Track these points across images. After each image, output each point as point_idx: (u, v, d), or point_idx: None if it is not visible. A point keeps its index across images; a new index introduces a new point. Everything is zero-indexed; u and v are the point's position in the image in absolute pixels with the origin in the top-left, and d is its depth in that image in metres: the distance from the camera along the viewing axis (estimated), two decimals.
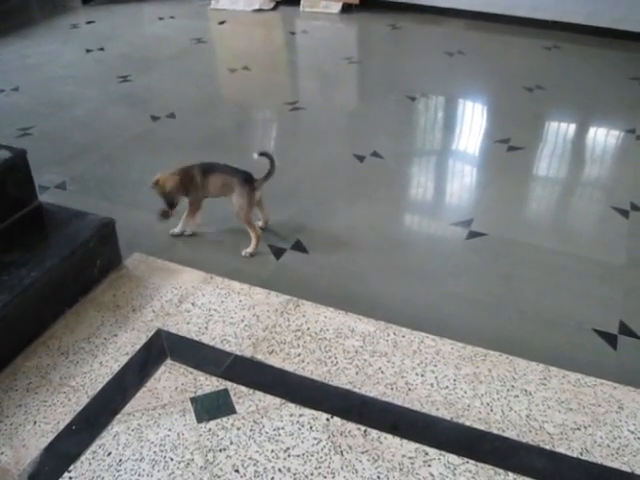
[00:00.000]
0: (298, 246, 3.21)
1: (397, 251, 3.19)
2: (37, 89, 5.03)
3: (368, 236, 3.30)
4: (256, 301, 2.72)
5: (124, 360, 2.46)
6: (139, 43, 5.97)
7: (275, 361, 2.44)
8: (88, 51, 5.73)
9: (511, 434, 2.14)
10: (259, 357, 2.45)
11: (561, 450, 2.09)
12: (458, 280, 2.97)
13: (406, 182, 3.87)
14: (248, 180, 3.07)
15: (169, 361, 2.45)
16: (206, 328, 2.59)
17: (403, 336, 2.55)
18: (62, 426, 2.20)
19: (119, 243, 2.94)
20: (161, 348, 2.50)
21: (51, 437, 2.16)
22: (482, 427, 2.16)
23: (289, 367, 2.41)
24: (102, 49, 5.76)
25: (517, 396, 2.27)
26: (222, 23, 6.42)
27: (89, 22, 6.55)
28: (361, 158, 3.98)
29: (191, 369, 2.41)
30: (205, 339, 2.54)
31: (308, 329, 2.58)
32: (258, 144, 4.37)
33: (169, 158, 4.02)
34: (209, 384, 2.34)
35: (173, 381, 2.36)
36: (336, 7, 6.55)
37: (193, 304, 2.72)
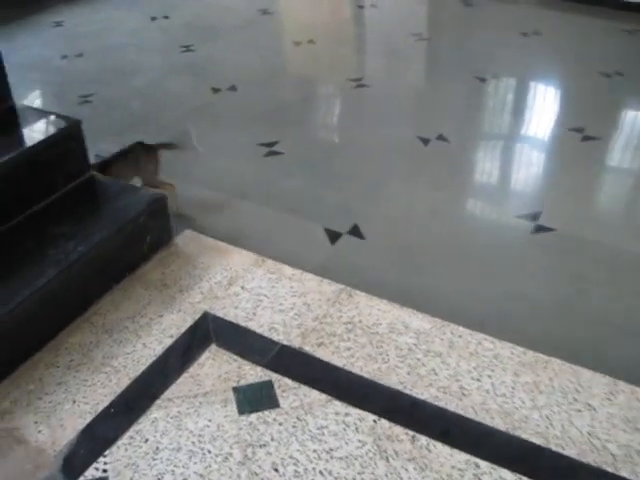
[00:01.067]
0: (355, 231, 3.08)
1: (458, 242, 3.03)
2: (100, 56, 4.99)
3: (428, 224, 3.14)
4: (308, 288, 2.61)
5: (168, 342, 2.39)
6: (204, 12, 5.86)
7: (324, 354, 2.33)
8: (153, 19, 5.66)
9: (570, 452, 1.98)
10: (307, 349, 2.35)
11: (624, 474, 1.92)
12: (521, 277, 2.80)
13: (472, 168, 3.69)
14: (145, 146, 3.06)
15: (214, 347, 2.36)
16: (254, 314, 2.49)
17: (460, 336, 2.40)
18: (101, 407, 2.14)
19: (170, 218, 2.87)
20: (206, 332, 2.42)
21: (89, 418, 2.10)
22: (539, 442, 2.01)
23: (338, 361, 2.30)
24: (167, 17, 5.68)
25: (579, 410, 2.11)
26: None
27: None
28: (426, 141, 3.81)
29: (236, 357, 2.32)
30: (252, 325, 2.44)
31: (360, 322, 2.46)
32: (320, 120, 4.25)
33: (228, 131, 3.95)
34: (253, 374, 2.25)
35: (217, 368, 2.27)
36: None
37: (242, 287, 2.62)
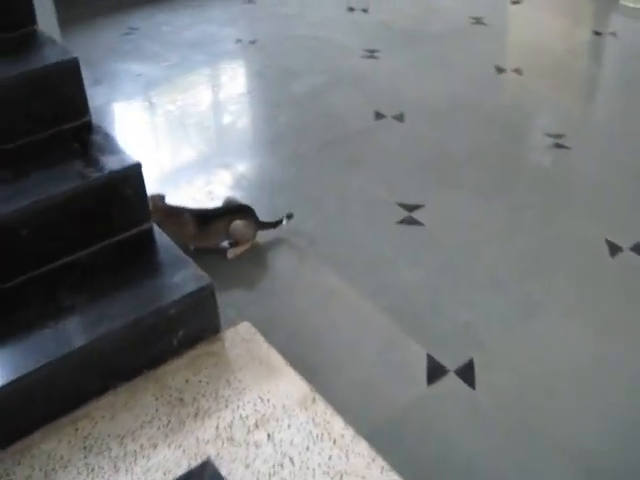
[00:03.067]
0: (466, 372, 2.27)
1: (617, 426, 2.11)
2: (274, 47, 4.45)
3: (574, 389, 2.23)
4: (350, 467, 1.87)
5: None
6: (408, 10, 5.02)
7: None
8: (350, 10, 4.99)
9: None
10: None
11: None
12: None
13: None
14: (254, 216, 2.78)
15: None
16: None
17: None
18: None
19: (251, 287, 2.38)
20: None
21: None
22: None
23: None
24: (365, 10, 4.97)
25: None
26: (516, 3, 5.23)
27: None
28: (615, 249, 2.81)
29: None
30: None
31: None
32: (486, 187, 3.29)
33: (368, 176, 3.24)
34: None
35: None
36: None
37: (269, 436, 1.95)
